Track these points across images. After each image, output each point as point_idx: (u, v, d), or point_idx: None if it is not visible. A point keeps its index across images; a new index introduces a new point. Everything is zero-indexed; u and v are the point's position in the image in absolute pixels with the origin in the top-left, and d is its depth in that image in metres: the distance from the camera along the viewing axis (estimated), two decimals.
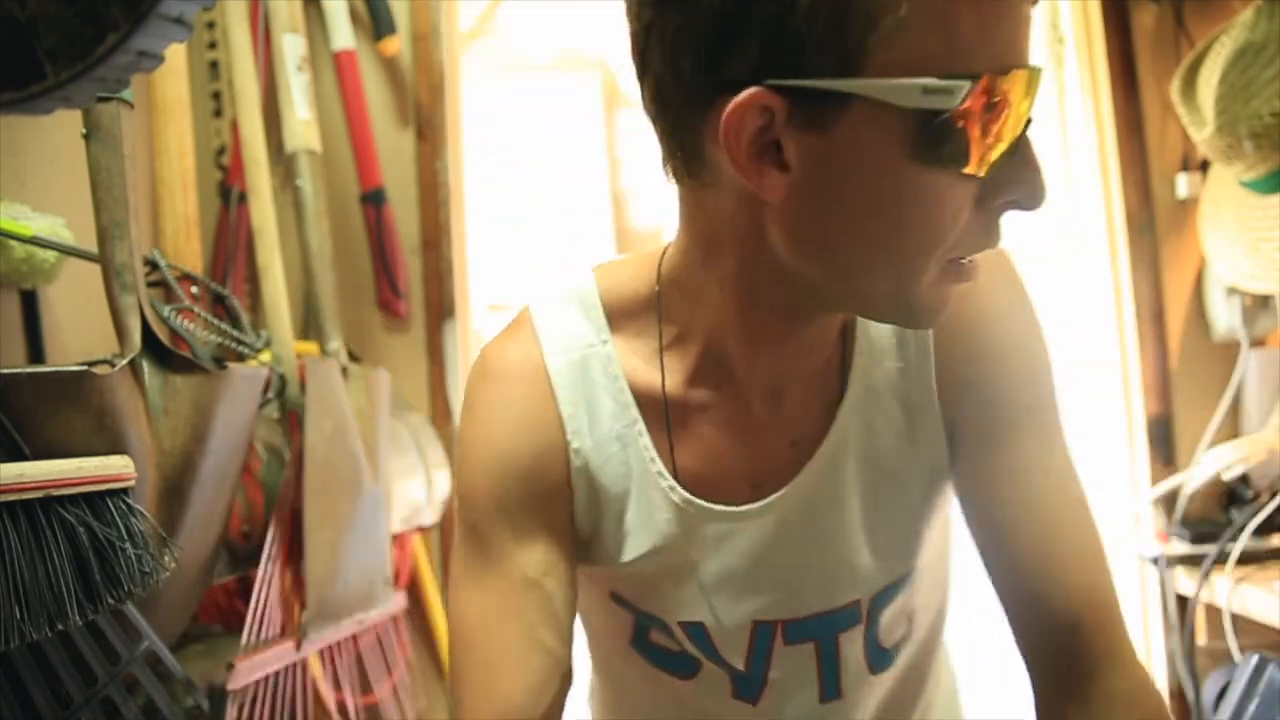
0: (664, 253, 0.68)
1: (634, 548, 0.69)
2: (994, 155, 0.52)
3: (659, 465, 0.67)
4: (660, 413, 0.68)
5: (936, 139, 0.50)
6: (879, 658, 0.73)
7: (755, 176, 0.53)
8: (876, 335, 0.68)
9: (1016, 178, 0.53)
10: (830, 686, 0.72)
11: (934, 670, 0.82)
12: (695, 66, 0.52)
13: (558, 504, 0.68)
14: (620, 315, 0.69)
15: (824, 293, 0.59)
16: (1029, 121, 0.53)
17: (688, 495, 0.67)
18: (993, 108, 0.50)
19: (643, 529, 0.68)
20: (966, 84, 0.49)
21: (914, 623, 0.75)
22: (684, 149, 0.57)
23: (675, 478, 0.68)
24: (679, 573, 0.69)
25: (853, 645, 0.71)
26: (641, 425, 0.68)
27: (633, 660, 0.76)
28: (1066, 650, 0.63)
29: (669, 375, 0.67)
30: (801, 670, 0.71)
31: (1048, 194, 0.54)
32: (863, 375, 0.67)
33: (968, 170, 0.52)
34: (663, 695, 0.76)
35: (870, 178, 0.52)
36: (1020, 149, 0.53)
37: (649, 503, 0.68)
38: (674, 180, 0.61)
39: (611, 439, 0.68)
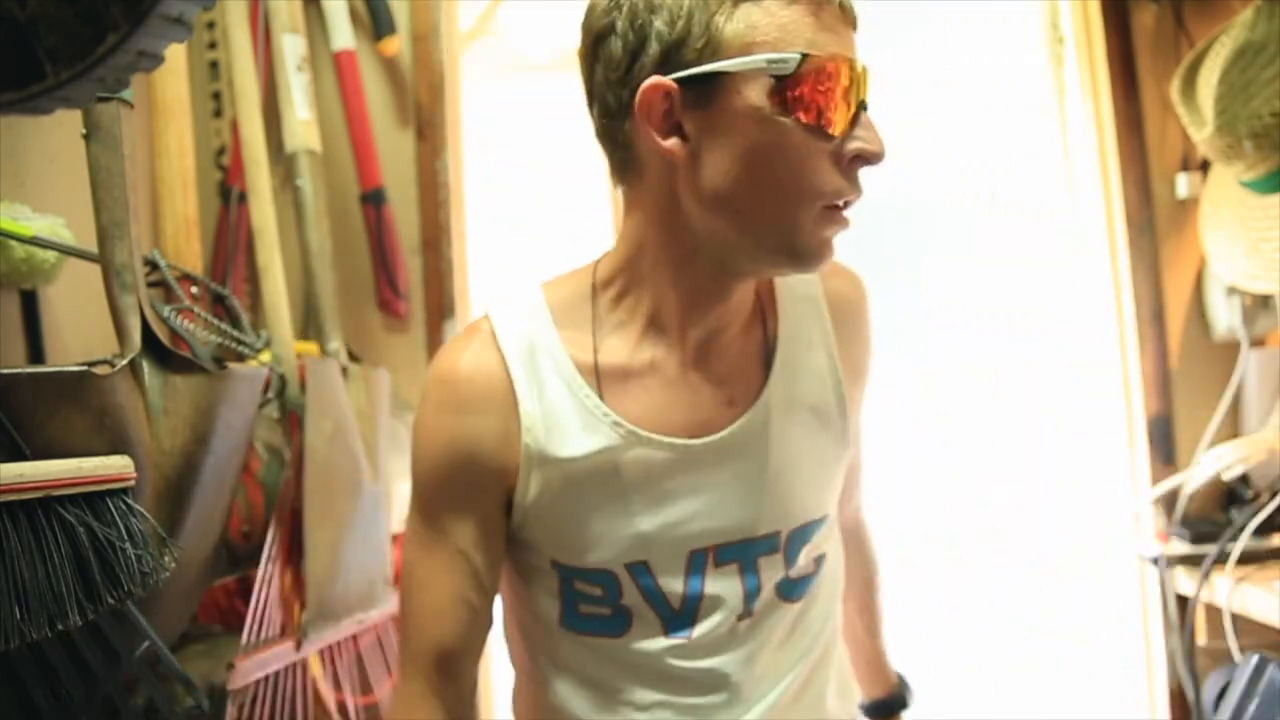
0: (598, 262, 0.86)
1: (581, 492, 0.82)
2: (833, 115, 0.72)
3: (604, 407, 0.82)
4: (604, 380, 0.83)
5: (784, 99, 0.71)
6: (788, 587, 0.87)
7: (666, 148, 0.74)
8: (797, 316, 0.89)
9: (858, 135, 0.74)
10: (749, 603, 0.85)
11: (833, 620, 0.94)
12: (619, 80, 0.75)
13: (495, 490, 0.83)
14: (563, 312, 0.85)
15: (732, 247, 0.78)
16: (863, 103, 0.74)
17: (646, 432, 0.82)
18: (825, 76, 0.71)
19: (591, 475, 0.82)
20: (797, 56, 0.70)
21: (821, 566, 0.91)
22: (620, 149, 0.79)
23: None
24: (623, 513, 0.82)
25: (770, 570, 0.86)
26: (588, 389, 0.82)
27: (562, 639, 0.87)
28: (854, 536, 1.07)
29: (614, 352, 0.83)
30: (727, 588, 0.84)
31: (885, 149, 0.74)
32: (788, 345, 0.87)
33: (811, 122, 0.71)
34: (595, 661, 0.86)
35: (745, 136, 0.73)
36: (859, 117, 0.74)
37: (602, 445, 0.82)
38: (617, 181, 0.81)
39: (561, 406, 0.82)
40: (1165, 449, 1.76)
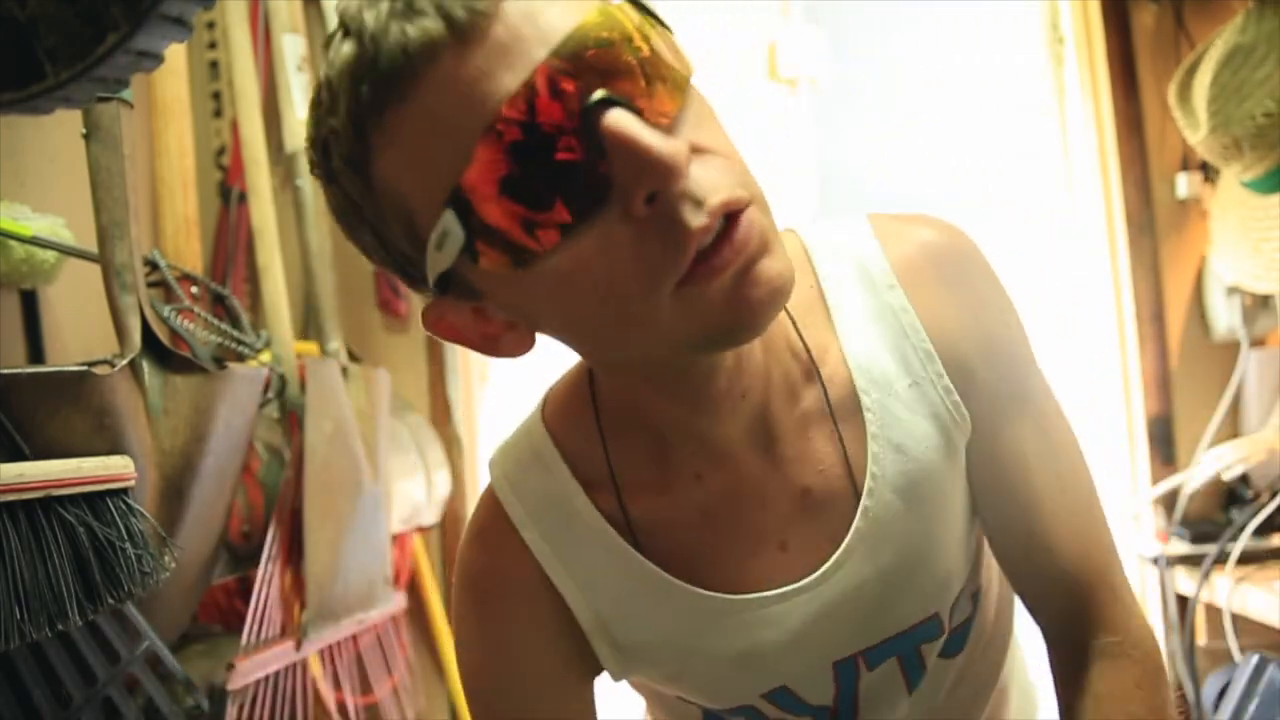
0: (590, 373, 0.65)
1: (686, 658, 0.66)
2: (555, 196, 0.45)
3: (671, 580, 0.63)
4: (654, 535, 0.64)
5: (492, 257, 0.47)
6: (949, 644, 0.71)
7: (492, 333, 0.54)
8: (877, 367, 0.63)
9: (630, 170, 0.45)
10: (915, 681, 0.71)
11: (1010, 621, 0.80)
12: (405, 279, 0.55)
13: (579, 684, 0.66)
14: (577, 457, 0.65)
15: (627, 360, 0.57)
16: (594, 106, 0.44)
17: (718, 595, 0.63)
18: (506, 175, 0.45)
19: (685, 638, 0.65)
20: (450, 218, 0.47)
21: (980, 599, 0.73)
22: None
23: (701, 583, 0.63)
24: (742, 659, 0.66)
25: (934, 649, 0.69)
26: (640, 557, 0.63)
27: None
28: (1066, 614, 0.67)
29: (645, 492, 0.63)
30: (889, 684, 0.69)
31: (662, 158, 0.44)
32: (880, 411, 0.62)
33: (552, 241, 0.46)
34: None
35: (526, 299, 0.51)
36: (608, 145, 0.44)
37: (681, 615, 0.64)
38: None
39: (622, 594, 0.64)
40: (1165, 449, 1.76)
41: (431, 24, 0.44)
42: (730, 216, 0.48)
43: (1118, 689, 0.64)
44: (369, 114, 0.47)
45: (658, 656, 0.66)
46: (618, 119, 0.44)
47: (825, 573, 0.63)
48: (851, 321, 0.63)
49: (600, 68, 0.45)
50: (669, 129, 0.47)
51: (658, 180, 0.45)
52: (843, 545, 0.63)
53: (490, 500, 0.66)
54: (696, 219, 0.46)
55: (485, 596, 0.66)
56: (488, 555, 0.66)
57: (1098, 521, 0.68)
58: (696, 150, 0.47)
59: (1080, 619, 0.66)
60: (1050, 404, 0.68)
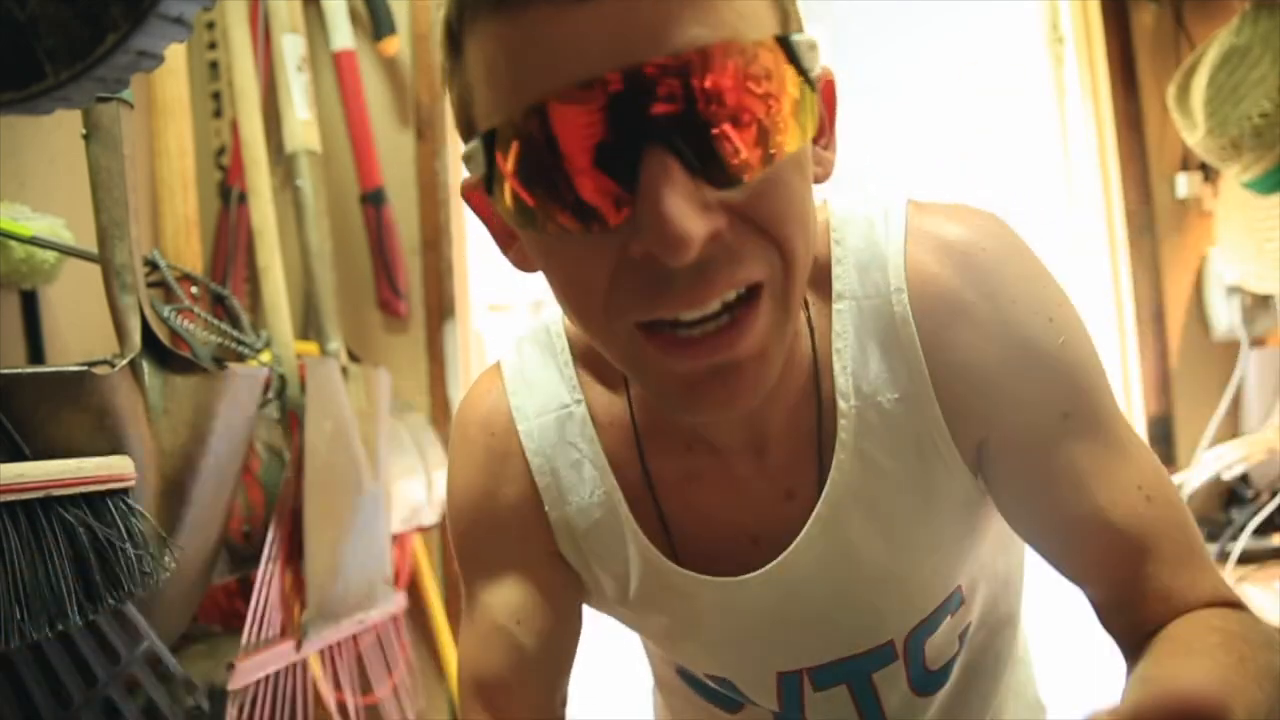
0: None
1: (636, 605, 0.67)
2: (564, 198, 0.44)
3: (642, 538, 0.63)
4: (639, 479, 0.63)
5: (501, 203, 0.46)
6: (926, 681, 0.68)
7: (506, 233, 0.54)
8: (864, 372, 0.59)
9: (640, 217, 0.42)
10: (872, 717, 0.68)
11: (1003, 665, 0.75)
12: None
13: (533, 556, 0.66)
14: (591, 364, 0.65)
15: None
16: (639, 143, 0.42)
17: (681, 570, 0.63)
18: (531, 152, 0.43)
19: (643, 594, 0.65)
20: (477, 145, 0.46)
21: (968, 638, 0.69)
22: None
23: (668, 544, 0.64)
24: (690, 633, 0.67)
25: (892, 682, 0.67)
26: (619, 494, 0.63)
27: (681, 688, 0.74)
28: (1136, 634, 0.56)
29: (644, 433, 0.63)
30: (839, 711, 0.67)
31: (675, 234, 0.41)
32: (854, 418, 0.59)
33: (544, 227, 0.45)
34: None
35: (527, 243, 0.51)
36: (641, 183, 0.42)
37: (642, 570, 0.64)
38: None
39: (593, 506, 0.64)
40: (1165, 449, 1.76)
41: None
42: (737, 307, 0.46)
43: (1193, 624, 0.53)
44: (468, 10, 0.46)
45: (612, 589, 0.66)
46: (657, 174, 0.41)
47: (769, 571, 0.61)
48: (851, 319, 0.59)
49: (692, 97, 0.41)
50: (726, 187, 0.44)
51: (659, 249, 0.42)
52: (790, 547, 0.61)
53: (494, 375, 0.67)
54: (691, 304, 0.45)
55: (469, 441, 0.67)
56: (479, 422, 0.67)
57: (1193, 540, 0.56)
58: (742, 217, 0.45)
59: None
60: (1107, 421, 0.57)
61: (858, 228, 0.60)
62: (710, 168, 0.43)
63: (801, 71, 0.45)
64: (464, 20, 0.46)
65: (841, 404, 0.59)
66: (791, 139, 0.45)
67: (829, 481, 0.59)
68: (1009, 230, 0.60)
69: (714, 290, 0.45)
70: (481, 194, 0.49)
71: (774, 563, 0.61)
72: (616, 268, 0.45)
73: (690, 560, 0.63)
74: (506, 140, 0.44)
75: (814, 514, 0.60)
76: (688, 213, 0.42)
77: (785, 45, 0.44)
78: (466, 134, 0.50)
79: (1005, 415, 0.56)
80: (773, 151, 0.44)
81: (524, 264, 0.54)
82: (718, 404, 0.48)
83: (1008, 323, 0.56)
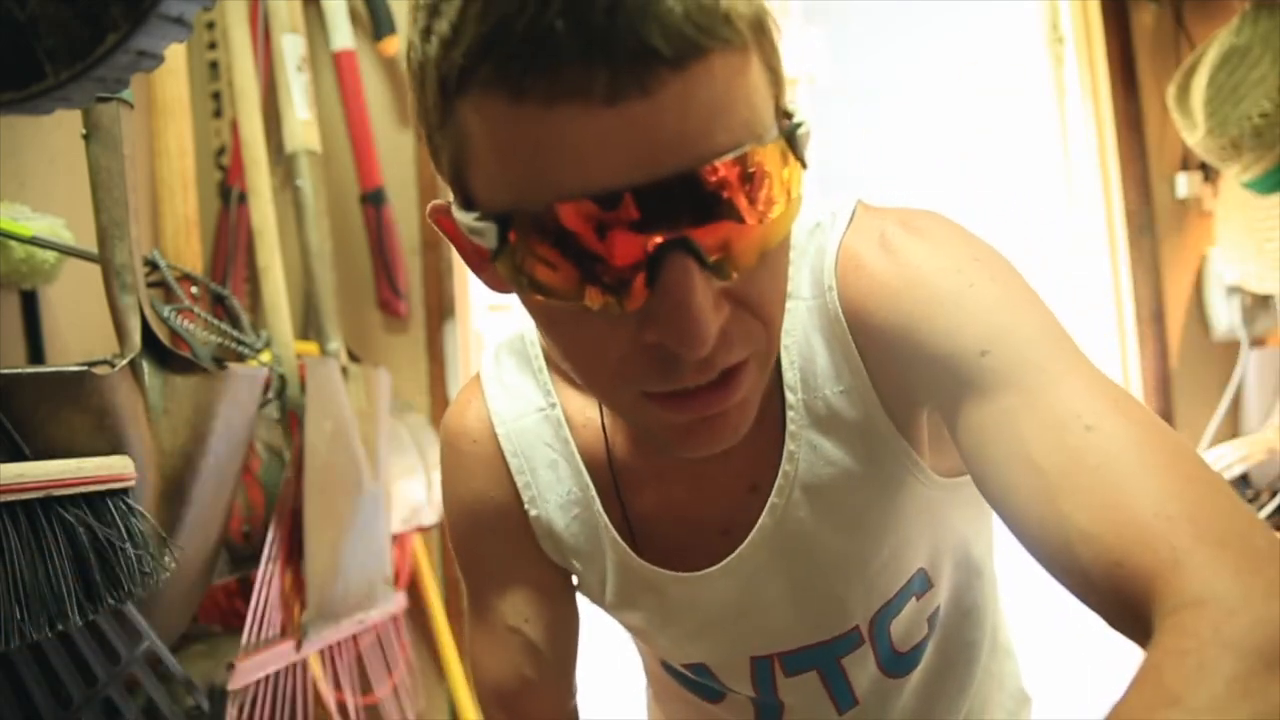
0: None
1: (613, 601, 0.71)
2: (580, 289, 0.45)
3: (614, 534, 0.67)
4: (612, 478, 0.67)
5: (510, 272, 0.47)
6: (896, 663, 0.70)
7: (482, 256, 0.51)
8: (811, 367, 0.61)
9: (660, 313, 0.44)
10: (844, 701, 0.71)
11: (978, 651, 0.75)
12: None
13: (527, 555, 0.70)
14: (564, 370, 0.68)
15: None
16: (663, 249, 0.43)
17: (648, 565, 0.67)
18: (551, 243, 0.44)
19: (618, 589, 0.70)
20: (490, 225, 0.46)
21: (938, 621, 0.71)
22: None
23: (635, 542, 0.67)
24: (663, 627, 0.70)
25: (860, 664, 0.70)
26: (593, 491, 0.67)
27: (667, 680, 0.78)
28: (1117, 602, 0.45)
29: (615, 435, 0.66)
30: (811, 695, 0.71)
31: (699, 336, 0.44)
32: (802, 410, 0.61)
33: (561, 303, 0.46)
34: (695, 714, 0.78)
35: (525, 300, 0.51)
36: (662, 282, 0.43)
37: (616, 566, 0.69)
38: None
39: (570, 503, 0.68)
40: None
41: (591, 72, 0.40)
42: (726, 372, 0.49)
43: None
44: (476, 82, 0.43)
45: (593, 585, 0.71)
46: (680, 276, 0.43)
47: (728, 564, 0.65)
48: (800, 318, 0.61)
49: (712, 204, 0.43)
50: (729, 279, 0.46)
51: (678, 346, 0.45)
52: (746, 540, 0.64)
53: (475, 384, 0.72)
54: (696, 381, 0.48)
55: (455, 448, 0.71)
56: (463, 429, 0.71)
57: (1142, 479, 0.45)
58: (739, 303, 0.47)
59: (1135, 604, 0.44)
60: (1060, 366, 0.51)
61: (811, 233, 0.62)
62: (721, 267, 0.45)
63: (799, 158, 0.47)
64: (465, 89, 0.43)
65: (790, 397, 0.62)
66: (789, 224, 0.47)
67: (780, 472, 0.63)
68: (948, 222, 0.59)
69: (715, 370, 0.48)
70: (452, 222, 0.50)
71: (732, 555, 0.65)
72: (629, 349, 0.48)
73: (662, 555, 0.67)
74: (525, 227, 0.44)
75: (767, 505, 0.63)
76: (707, 312, 0.45)
77: (790, 141, 0.46)
78: (458, 188, 0.49)
79: (926, 370, 0.55)
80: (775, 246, 0.47)
81: (498, 286, 0.54)
82: (705, 446, 0.53)
83: (912, 281, 0.56)
